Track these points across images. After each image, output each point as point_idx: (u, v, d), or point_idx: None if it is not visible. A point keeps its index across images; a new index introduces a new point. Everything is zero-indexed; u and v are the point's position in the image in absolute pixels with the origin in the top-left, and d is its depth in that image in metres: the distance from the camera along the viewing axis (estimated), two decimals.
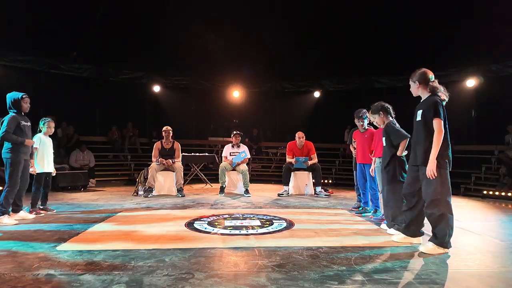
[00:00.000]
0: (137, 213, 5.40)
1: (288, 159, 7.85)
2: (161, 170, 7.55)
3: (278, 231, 4.23)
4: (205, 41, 11.71)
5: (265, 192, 8.21)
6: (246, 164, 8.12)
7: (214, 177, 9.48)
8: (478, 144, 10.32)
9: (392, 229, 4.02)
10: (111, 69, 11.77)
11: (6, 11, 8.66)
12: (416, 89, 3.56)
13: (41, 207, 5.42)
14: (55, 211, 5.48)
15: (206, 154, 9.95)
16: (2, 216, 4.54)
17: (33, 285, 2.52)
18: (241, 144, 8.21)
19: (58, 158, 8.54)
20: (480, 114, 10.56)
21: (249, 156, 8.29)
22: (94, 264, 2.96)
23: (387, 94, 10.59)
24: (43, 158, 5.36)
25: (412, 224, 3.62)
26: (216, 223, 4.62)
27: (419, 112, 3.48)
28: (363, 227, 4.50)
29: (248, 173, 7.84)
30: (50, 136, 5.62)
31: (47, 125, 5.48)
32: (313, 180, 7.82)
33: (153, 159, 7.55)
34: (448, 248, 3.33)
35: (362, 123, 5.35)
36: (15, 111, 4.72)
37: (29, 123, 4.88)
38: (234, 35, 11.38)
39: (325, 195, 7.55)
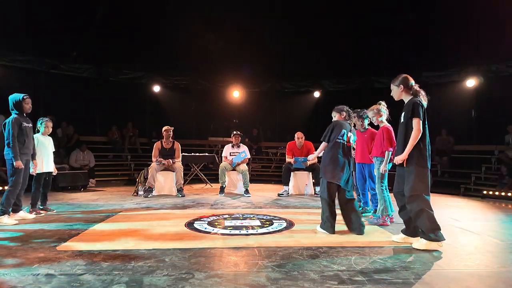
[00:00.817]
0: (137, 213, 5.40)
1: (288, 159, 7.85)
2: (161, 170, 7.55)
3: (278, 231, 4.23)
4: (205, 41, 11.71)
5: (265, 192, 8.22)
6: (246, 164, 8.12)
7: (214, 177, 9.47)
8: (478, 144, 10.31)
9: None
10: (111, 69, 11.76)
11: (6, 11, 8.66)
12: (399, 93, 3.73)
13: (41, 207, 5.42)
14: (55, 211, 5.49)
15: (206, 154, 9.95)
16: (2, 216, 4.54)
17: (33, 285, 2.52)
18: (241, 144, 8.21)
19: (58, 158, 8.54)
20: (480, 114, 10.55)
21: (249, 156, 8.29)
22: (94, 264, 2.96)
23: (387, 94, 10.57)
24: (41, 158, 5.35)
25: (410, 224, 3.64)
26: (216, 223, 4.62)
27: (402, 115, 3.66)
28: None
29: (248, 173, 7.84)
30: (49, 135, 5.62)
31: (44, 125, 5.48)
32: (313, 180, 7.83)
33: (153, 159, 7.54)
34: (440, 241, 3.41)
35: (362, 122, 5.36)
36: (17, 112, 4.74)
37: (30, 124, 4.90)
38: (234, 35, 11.38)
39: None
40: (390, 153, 4.54)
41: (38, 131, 5.47)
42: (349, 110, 4.43)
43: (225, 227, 4.40)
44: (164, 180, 7.59)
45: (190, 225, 4.49)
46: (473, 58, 9.90)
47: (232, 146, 8.13)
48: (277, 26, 11.17)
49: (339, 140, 4.17)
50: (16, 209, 4.85)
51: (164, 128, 7.68)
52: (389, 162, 4.54)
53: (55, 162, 5.76)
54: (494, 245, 3.75)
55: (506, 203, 7.04)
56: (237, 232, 4.16)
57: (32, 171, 5.11)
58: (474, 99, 10.52)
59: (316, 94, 12.98)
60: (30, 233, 4.03)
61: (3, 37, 8.98)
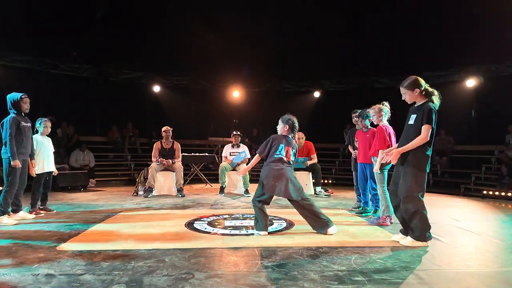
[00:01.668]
0: (137, 213, 5.40)
1: None
2: (161, 170, 7.55)
3: (278, 231, 4.23)
4: (205, 41, 11.70)
5: None
6: (246, 164, 8.11)
7: (214, 177, 9.47)
8: (478, 144, 10.31)
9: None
10: (111, 69, 11.76)
11: (6, 11, 8.66)
12: (414, 96, 3.63)
13: (41, 207, 5.42)
14: (55, 211, 5.49)
15: (206, 154, 9.95)
16: (1, 216, 4.53)
17: (33, 285, 2.52)
18: (241, 144, 8.22)
19: (58, 158, 8.54)
20: (480, 114, 10.55)
21: (249, 156, 8.27)
22: (94, 264, 2.96)
23: (387, 94, 10.57)
24: (41, 158, 5.34)
25: (406, 223, 3.68)
26: (216, 223, 4.62)
27: (413, 116, 3.61)
28: (363, 227, 4.50)
29: (248, 173, 7.83)
30: (49, 135, 5.62)
31: (43, 125, 5.47)
32: (313, 180, 7.82)
33: (153, 159, 7.55)
34: (427, 241, 3.50)
35: (364, 122, 5.36)
36: (15, 111, 4.73)
37: (29, 124, 4.88)
38: (234, 35, 11.37)
39: (325, 195, 7.55)
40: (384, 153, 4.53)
41: (37, 132, 5.46)
42: (295, 122, 4.28)
43: (225, 227, 4.40)
44: (164, 180, 7.59)
45: (190, 225, 4.49)
46: (473, 58, 9.90)
47: (232, 146, 8.13)
48: (277, 26, 11.17)
49: (277, 156, 4.11)
50: (16, 209, 4.85)
51: (163, 129, 7.68)
52: (389, 163, 4.53)
53: (55, 162, 5.75)
54: (494, 245, 3.75)
55: (506, 203, 7.04)
56: (237, 232, 4.16)
57: (31, 172, 5.10)
58: (474, 99, 10.52)
59: (316, 94, 12.98)
60: (30, 233, 4.03)
61: (3, 37, 8.98)
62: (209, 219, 4.86)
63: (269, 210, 5.61)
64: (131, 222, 4.67)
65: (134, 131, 12.09)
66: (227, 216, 5.13)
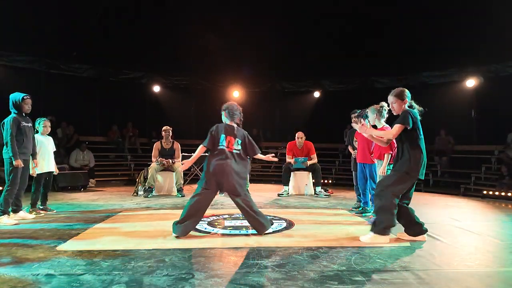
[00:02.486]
0: (137, 213, 5.40)
1: (288, 159, 7.84)
2: (161, 170, 7.55)
3: (278, 231, 4.23)
4: (205, 41, 11.70)
5: (265, 192, 8.21)
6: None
7: None
8: (478, 144, 10.31)
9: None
10: (111, 69, 11.77)
11: (6, 11, 8.66)
12: (402, 106, 3.75)
13: (41, 207, 5.42)
14: (55, 211, 5.49)
15: (206, 154, 9.93)
16: (2, 216, 4.53)
17: (33, 285, 2.52)
18: None
19: (58, 158, 8.52)
20: (480, 114, 10.55)
21: None
22: (94, 264, 2.96)
23: (387, 94, 10.57)
24: (41, 158, 5.34)
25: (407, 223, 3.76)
26: (216, 223, 4.62)
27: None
28: (363, 227, 4.50)
29: (248, 173, 7.83)
30: (49, 135, 5.62)
31: (43, 124, 5.48)
32: (313, 180, 7.82)
33: (153, 159, 7.55)
34: (386, 235, 3.62)
35: (363, 122, 5.34)
36: (16, 111, 4.74)
37: (30, 124, 4.90)
38: (234, 35, 11.37)
39: (325, 195, 7.55)
40: (390, 156, 4.54)
41: (37, 131, 5.47)
42: (232, 109, 4.10)
43: (225, 227, 4.40)
44: (164, 180, 7.59)
45: None
46: (473, 58, 9.90)
47: None
48: (277, 26, 11.17)
49: (220, 147, 3.91)
50: (16, 209, 4.85)
51: (163, 128, 7.68)
52: (390, 164, 4.54)
53: (55, 162, 5.75)
54: (494, 245, 3.75)
55: (506, 203, 7.04)
56: (237, 232, 4.16)
57: (32, 172, 5.11)
58: (474, 99, 10.52)
59: (316, 94, 12.97)
60: (30, 233, 4.03)
61: (3, 37, 8.98)
62: (209, 219, 4.86)
63: (269, 210, 5.63)
64: (131, 222, 4.67)
65: (134, 131, 12.09)
66: (227, 216, 5.13)
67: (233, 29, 11.21)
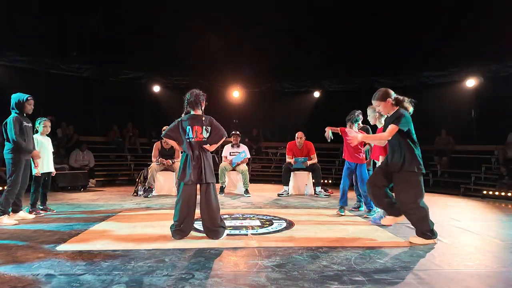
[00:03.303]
0: (137, 213, 5.40)
1: (288, 159, 7.85)
2: (161, 170, 7.55)
3: (278, 231, 4.23)
4: (205, 41, 11.71)
5: (265, 192, 8.21)
6: (246, 164, 8.12)
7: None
8: (478, 144, 10.31)
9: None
10: (111, 69, 11.76)
11: (6, 11, 8.66)
12: (388, 106, 3.82)
13: (41, 207, 5.42)
14: (55, 211, 5.49)
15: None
16: (2, 216, 4.53)
17: (33, 285, 2.52)
18: (240, 144, 8.22)
19: (58, 158, 8.54)
20: (480, 114, 10.55)
21: (249, 156, 8.29)
22: (94, 264, 2.96)
23: None
24: (42, 158, 5.33)
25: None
26: None
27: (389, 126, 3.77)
28: (363, 227, 4.50)
29: (248, 173, 7.84)
30: (48, 135, 5.62)
31: (43, 125, 5.48)
32: (313, 180, 7.82)
33: (153, 159, 7.55)
34: (431, 239, 3.65)
35: (353, 127, 5.34)
36: (18, 111, 4.75)
37: (30, 124, 4.91)
38: (234, 35, 11.38)
39: (325, 195, 7.55)
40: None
41: (37, 131, 5.46)
42: (192, 95, 3.94)
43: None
44: (164, 180, 7.59)
45: None
46: (473, 58, 9.90)
47: (232, 146, 8.13)
48: (277, 26, 11.17)
49: (187, 139, 3.81)
50: (16, 209, 4.85)
51: (163, 128, 7.66)
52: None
53: (55, 162, 5.76)
54: (494, 245, 3.75)
55: (506, 203, 7.04)
56: (237, 232, 4.16)
57: (36, 172, 5.12)
58: (474, 99, 10.52)
59: (316, 94, 12.97)
60: (30, 233, 4.03)
61: (3, 37, 8.98)
62: None
63: (269, 210, 5.64)
64: (131, 222, 4.67)
65: (134, 131, 12.08)
66: (227, 216, 5.13)
67: (233, 29, 11.21)
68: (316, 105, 13.12)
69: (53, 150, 5.69)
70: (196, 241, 3.71)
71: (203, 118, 3.94)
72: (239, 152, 7.95)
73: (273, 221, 4.78)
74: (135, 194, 7.42)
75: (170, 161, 7.47)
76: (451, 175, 9.92)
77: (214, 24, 11.43)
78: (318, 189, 7.68)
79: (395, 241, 3.76)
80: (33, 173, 5.12)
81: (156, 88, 12.42)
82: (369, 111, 4.88)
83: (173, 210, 3.87)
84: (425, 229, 3.63)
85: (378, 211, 4.97)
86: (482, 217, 5.60)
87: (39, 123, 5.47)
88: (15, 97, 4.76)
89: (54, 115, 9.32)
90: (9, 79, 9.12)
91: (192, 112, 3.98)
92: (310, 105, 13.17)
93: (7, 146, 4.67)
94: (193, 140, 3.84)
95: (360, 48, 11.47)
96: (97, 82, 11.65)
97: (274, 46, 11.35)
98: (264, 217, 5.05)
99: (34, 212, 5.20)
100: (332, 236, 3.98)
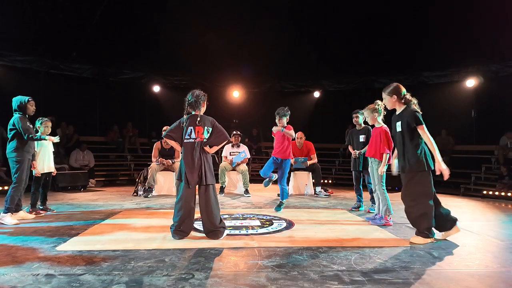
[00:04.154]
0: (137, 213, 5.40)
1: None
2: (161, 170, 7.55)
3: (278, 231, 4.23)
4: (205, 41, 11.70)
5: (265, 192, 8.20)
6: (246, 164, 8.12)
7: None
8: (478, 144, 10.31)
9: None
10: (111, 69, 11.76)
11: (6, 11, 8.66)
12: (393, 102, 3.85)
13: (41, 207, 5.43)
14: (55, 211, 5.49)
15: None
16: (5, 214, 4.56)
17: (33, 285, 2.52)
18: (241, 144, 8.22)
19: (58, 158, 8.53)
20: (480, 114, 10.54)
21: (249, 156, 8.29)
22: (94, 264, 2.96)
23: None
24: (42, 158, 5.36)
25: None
26: None
27: (398, 124, 3.78)
28: (363, 227, 4.50)
29: (248, 173, 7.84)
30: (49, 135, 5.62)
31: (44, 125, 5.48)
32: (313, 180, 7.83)
33: (153, 159, 7.55)
34: (428, 238, 3.69)
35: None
36: (21, 113, 4.79)
37: (31, 125, 4.94)
38: (234, 35, 11.37)
39: (325, 195, 7.56)
40: (388, 155, 4.54)
41: (37, 132, 5.47)
42: (192, 96, 3.92)
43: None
44: (164, 180, 7.59)
45: None
46: (473, 58, 9.90)
47: (232, 146, 8.13)
48: (277, 26, 11.16)
49: (187, 140, 3.81)
50: (16, 209, 4.85)
51: (163, 129, 7.66)
52: (388, 163, 4.54)
53: (55, 162, 5.76)
54: (494, 245, 3.75)
55: (506, 203, 7.04)
56: (237, 232, 4.16)
57: (36, 172, 5.14)
58: (474, 99, 10.52)
59: (316, 94, 12.97)
60: (30, 233, 4.03)
61: (3, 37, 8.98)
62: None
63: (270, 210, 5.64)
64: (131, 223, 4.67)
65: (134, 131, 12.08)
66: (227, 216, 5.13)
67: (233, 29, 11.21)
68: (316, 105, 13.12)
69: (53, 150, 5.70)
70: (196, 241, 3.71)
71: (205, 119, 3.95)
72: (239, 152, 7.95)
73: (273, 221, 4.79)
74: (135, 194, 7.43)
75: (170, 161, 7.47)
76: (451, 175, 9.85)
77: (214, 24, 11.42)
78: (318, 189, 7.68)
79: (395, 241, 3.76)
80: (33, 173, 5.15)
81: (156, 88, 12.42)
82: (366, 113, 4.87)
83: (173, 210, 3.87)
84: (423, 228, 3.67)
85: (375, 211, 4.98)
86: (482, 217, 5.60)
87: (40, 124, 5.48)
88: (17, 100, 4.81)
89: (54, 115, 9.32)
90: (9, 79, 9.12)
91: (193, 113, 3.98)
92: (310, 105, 13.16)
93: (11, 145, 4.71)
94: (194, 140, 3.84)
95: (360, 48, 11.46)
96: (97, 82, 11.64)
97: (274, 46, 11.35)
98: (264, 217, 5.06)
99: (34, 212, 5.21)
100: (332, 236, 3.98)
